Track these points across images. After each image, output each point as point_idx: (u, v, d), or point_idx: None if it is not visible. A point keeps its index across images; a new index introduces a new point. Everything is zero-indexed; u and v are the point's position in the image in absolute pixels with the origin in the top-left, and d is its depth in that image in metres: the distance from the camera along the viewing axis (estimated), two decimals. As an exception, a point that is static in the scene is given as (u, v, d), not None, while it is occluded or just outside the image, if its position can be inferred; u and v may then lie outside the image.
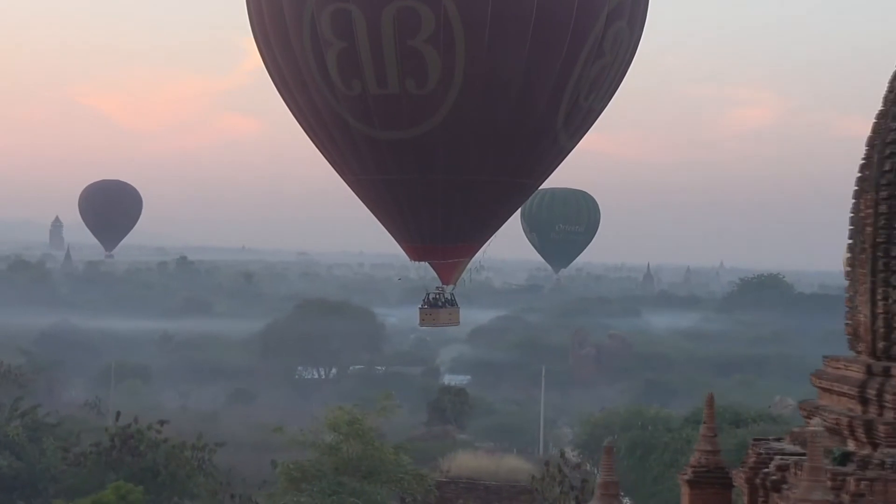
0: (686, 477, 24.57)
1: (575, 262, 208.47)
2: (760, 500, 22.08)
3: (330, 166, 56.98)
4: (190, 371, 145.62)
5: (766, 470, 22.05)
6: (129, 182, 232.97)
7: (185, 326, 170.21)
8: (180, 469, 57.66)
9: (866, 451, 20.84)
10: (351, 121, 52.88)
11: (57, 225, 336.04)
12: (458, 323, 63.87)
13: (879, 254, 21.62)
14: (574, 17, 50.69)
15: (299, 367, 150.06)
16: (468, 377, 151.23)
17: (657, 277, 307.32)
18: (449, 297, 59.44)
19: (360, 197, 57.61)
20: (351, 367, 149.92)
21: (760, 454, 22.67)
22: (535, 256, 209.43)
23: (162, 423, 59.73)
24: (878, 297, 21.68)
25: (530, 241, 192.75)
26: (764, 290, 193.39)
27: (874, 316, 21.78)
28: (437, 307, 59.71)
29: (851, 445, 21.21)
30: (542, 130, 53.32)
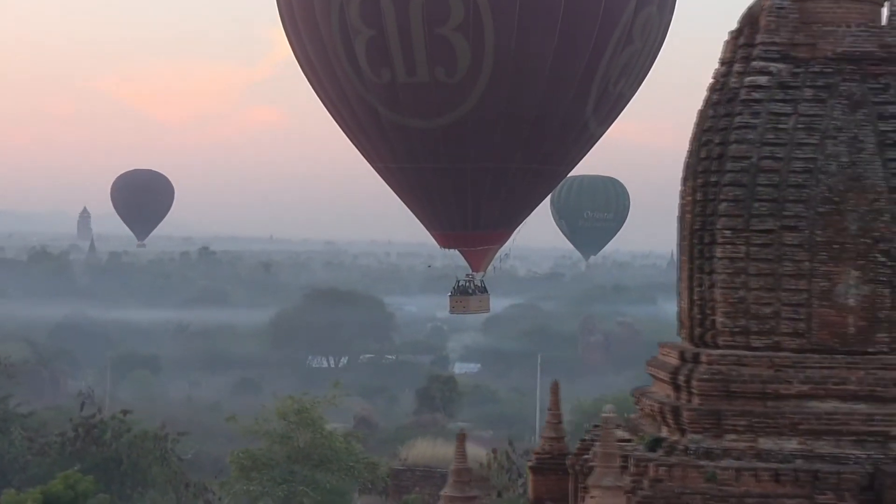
0: (530, 464, 24.77)
1: (605, 249, 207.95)
2: (581, 485, 22.23)
3: (360, 155, 57.32)
4: (201, 361, 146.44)
5: (586, 456, 22.20)
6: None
7: (200, 317, 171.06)
8: (142, 459, 58.04)
9: (676, 437, 20.97)
10: (380, 109, 53.06)
11: (85, 216, 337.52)
12: (488, 310, 64.13)
13: (696, 241, 21.72)
14: (603, 3, 50.77)
15: (310, 357, 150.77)
16: (478, 366, 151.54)
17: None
18: (479, 284, 59.72)
19: (389, 185, 57.84)
20: (362, 357, 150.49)
21: (585, 441, 22.85)
22: (562, 244, 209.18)
23: (125, 412, 60.13)
24: (695, 283, 21.79)
25: (560, 229, 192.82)
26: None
27: (692, 303, 21.90)
28: (468, 294, 59.98)
29: (665, 432, 21.33)
30: (571, 118, 53.44)
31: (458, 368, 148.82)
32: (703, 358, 21.03)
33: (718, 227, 21.14)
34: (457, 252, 59.38)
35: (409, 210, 59.09)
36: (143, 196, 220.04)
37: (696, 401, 20.83)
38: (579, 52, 51.29)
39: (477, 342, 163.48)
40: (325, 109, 57.07)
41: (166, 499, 54.71)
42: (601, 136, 56.83)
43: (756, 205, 20.93)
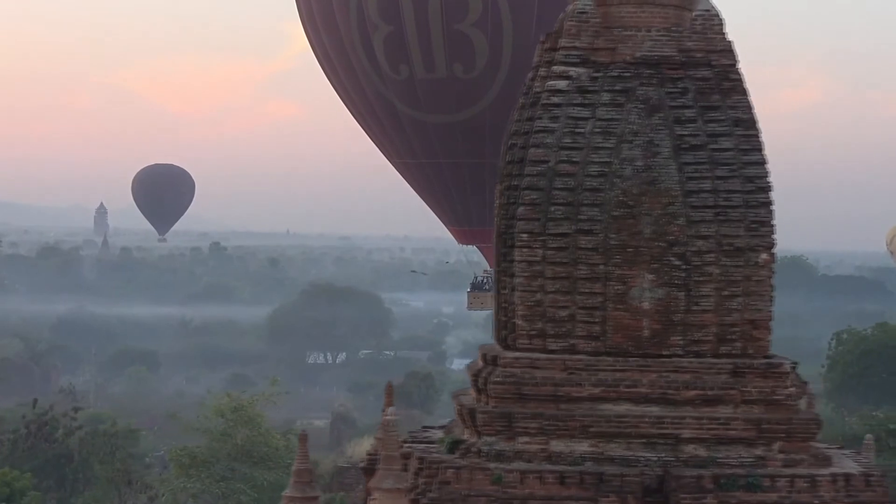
0: (362, 464, 24.91)
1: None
2: (389, 487, 22.36)
3: (378, 150, 57.34)
4: (199, 357, 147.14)
5: (394, 457, 22.35)
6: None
7: (203, 312, 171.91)
8: (92, 455, 58.51)
9: (473, 439, 21.12)
10: (398, 105, 53.37)
11: (101, 211, 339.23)
12: None
13: (501, 244, 21.86)
14: None
15: (310, 353, 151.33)
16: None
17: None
18: None
19: (407, 181, 58.06)
20: (361, 352, 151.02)
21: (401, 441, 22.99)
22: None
23: (77, 409, 60.67)
24: (501, 286, 21.92)
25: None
26: (786, 272, 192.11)
27: (499, 305, 22.04)
28: (485, 290, 60.26)
29: (466, 434, 21.49)
30: (589, 112, 53.78)
31: (457, 364, 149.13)
32: (500, 361, 21.18)
33: (517, 230, 21.27)
34: (473, 248, 59.51)
35: (426, 206, 59.25)
36: (164, 190, 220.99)
37: (491, 403, 20.98)
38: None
39: (477, 338, 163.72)
40: (343, 104, 57.33)
41: (107, 496, 55.10)
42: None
43: (552, 208, 21.06)
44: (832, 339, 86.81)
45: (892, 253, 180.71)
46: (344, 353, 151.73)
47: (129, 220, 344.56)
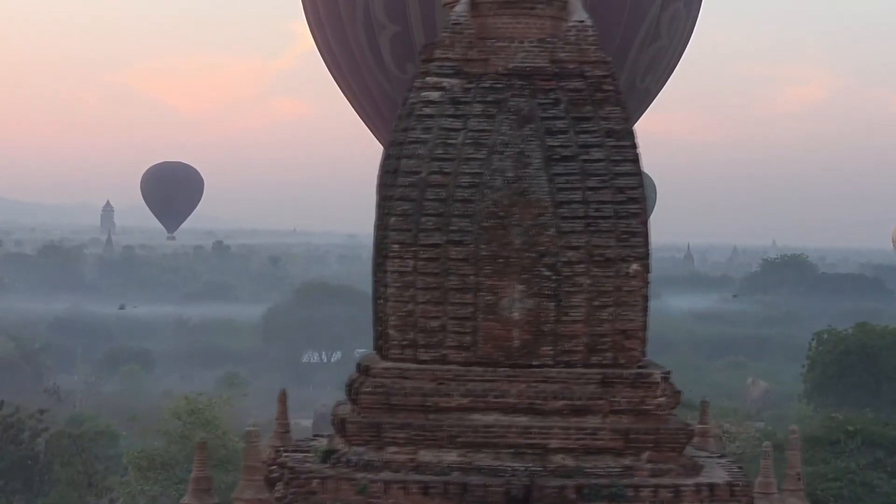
0: (256, 472, 24.99)
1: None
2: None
3: (383, 148, 57.60)
4: (195, 356, 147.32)
5: (272, 466, 22.51)
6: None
7: (201, 311, 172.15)
8: (57, 458, 58.73)
9: (345, 449, 21.23)
10: None
11: (108, 209, 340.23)
12: None
13: (376, 255, 21.98)
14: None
15: (305, 351, 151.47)
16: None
17: (702, 258, 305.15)
18: None
19: None
20: (356, 351, 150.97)
21: (278, 449, 23.15)
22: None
23: (42, 411, 60.86)
24: (377, 297, 22.04)
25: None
26: (786, 270, 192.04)
27: (375, 315, 22.15)
28: None
29: (340, 444, 21.59)
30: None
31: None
32: (371, 371, 21.30)
33: (389, 241, 21.37)
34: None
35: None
36: (173, 188, 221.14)
37: (361, 413, 21.09)
38: (605, 48, 51.50)
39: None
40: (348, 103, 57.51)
41: (67, 499, 55.30)
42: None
43: (424, 219, 21.14)
44: (813, 339, 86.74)
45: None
46: (339, 352, 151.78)
47: (137, 218, 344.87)
